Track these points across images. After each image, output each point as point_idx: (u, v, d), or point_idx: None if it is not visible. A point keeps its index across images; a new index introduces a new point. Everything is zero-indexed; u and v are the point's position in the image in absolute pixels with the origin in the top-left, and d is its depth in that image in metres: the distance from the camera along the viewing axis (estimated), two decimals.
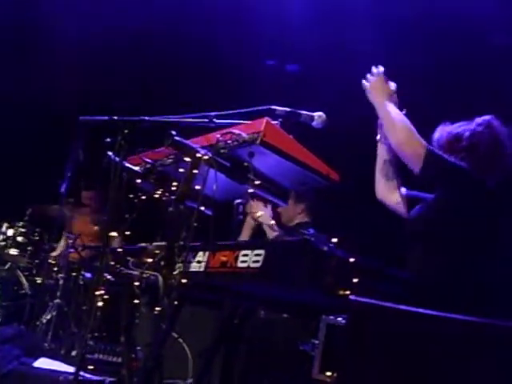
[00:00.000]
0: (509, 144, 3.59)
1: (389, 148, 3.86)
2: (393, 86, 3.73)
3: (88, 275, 4.85)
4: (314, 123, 3.46)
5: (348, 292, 2.44)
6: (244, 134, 2.82)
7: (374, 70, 3.76)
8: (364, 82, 3.76)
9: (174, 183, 3.17)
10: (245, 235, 5.34)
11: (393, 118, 3.59)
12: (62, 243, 7.06)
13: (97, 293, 3.04)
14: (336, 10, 6.38)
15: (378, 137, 3.94)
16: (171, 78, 7.50)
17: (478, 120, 3.67)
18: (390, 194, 3.91)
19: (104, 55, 7.40)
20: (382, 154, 3.95)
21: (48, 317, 6.15)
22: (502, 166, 3.55)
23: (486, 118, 3.68)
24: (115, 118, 3.25)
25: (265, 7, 6.76)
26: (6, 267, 6.79)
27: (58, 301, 6.22)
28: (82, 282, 6.41)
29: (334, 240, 2.61)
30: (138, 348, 3.58)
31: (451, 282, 3.28)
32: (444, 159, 3.48)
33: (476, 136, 3.61)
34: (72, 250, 6.56)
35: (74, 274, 6.43)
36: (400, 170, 3.94)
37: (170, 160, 3.24)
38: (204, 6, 6.98)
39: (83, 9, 7.29)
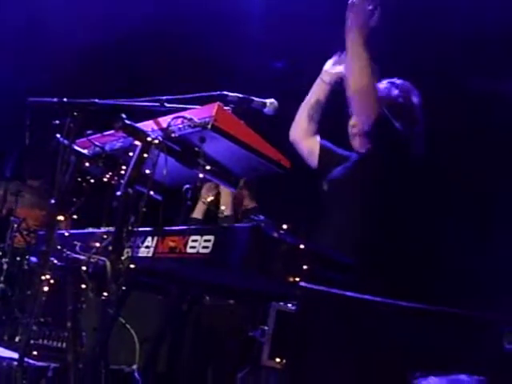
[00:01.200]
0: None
1: (329, 89, 3.83)
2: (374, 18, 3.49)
3: (34, 259, 4.76)
4: (265, 110, 3.46)
5: (298, 279, 2.44)
6: (195, 119, 2.79)
7: None
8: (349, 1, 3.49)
9: (123, 167, 3.13)
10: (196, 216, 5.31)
11: (365, 61, 3.43)
12: None
13: (42, 277, 2.99)
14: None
15: (327, 69, 3.89)
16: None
17: (404, 86, 3.68)
18: (307, 138, 3.86)
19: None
20: (318, 92, 3.89)
21: None
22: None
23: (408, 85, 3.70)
24: (65, 99, 3.19)
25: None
26: None
27: (1, 285, 6.12)
28: (26, 267, 6.30)
29: (284, 226, 2.61)
30: (84, 334, 3.54)
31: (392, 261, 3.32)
32: (393, 127, 3.50)
33: (412, 108, 3.63)
34: (16, 234, 6.45)
35: (18, 258, 6.32)
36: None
37: (120, 144, 3.20)
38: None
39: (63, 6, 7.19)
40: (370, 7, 3.48)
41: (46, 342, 5.14)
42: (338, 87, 3.84)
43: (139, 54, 7.34)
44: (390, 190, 3.49)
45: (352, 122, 3.76)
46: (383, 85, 3.72)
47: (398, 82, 3.72)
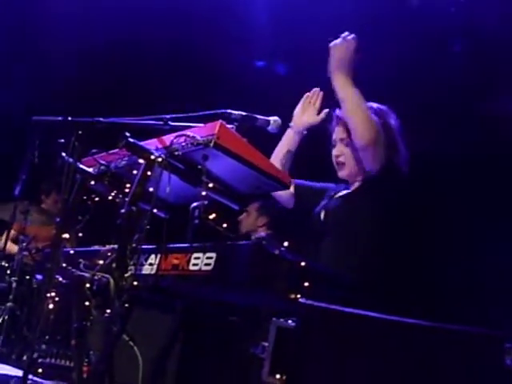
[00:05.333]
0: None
1: (300, 138, 3.85)
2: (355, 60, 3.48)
3: (39, 277, 4.79)
4: (269, 128, 3.48)
5: (299, 295, 2.45)
6: (198, 137, 2.82)
7: (345, 34, 3.50)
8: (331, 44, 3.52)
9: (128, 185, 3.16)
10: None
11: (362, 109, 3.43)
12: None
13: (48, 295, 3.01)
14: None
15: (296, 119, 3.91)
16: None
17: (381, 111, 3.67)
18: None
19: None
20: (289, 143, 3.90)
21: None
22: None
23: (385, 109, 3.69)
24: (69, 118, 3.23)
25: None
26: None
27: (10, 304, 6.14)
28: (35, 286, 6.33)
29: (286, 244, 2.62)
30: (91, 352, 3.55)
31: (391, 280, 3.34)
32: (393, 164, 3.52)
33: (391, 132, 3.64)
34: (26, 253, 6.49)
35: (27, 277, 6.35)
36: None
37: (124, 162, 3.22)
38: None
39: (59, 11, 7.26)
40: (352, 47, 3.49)
41: (53, 360, 5.15)
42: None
43: (144, 72, 7.40)
44: (388, 217, 3.52)
45: (336, 152, 3.74)
46: None
47: (374, 106, 3.67)
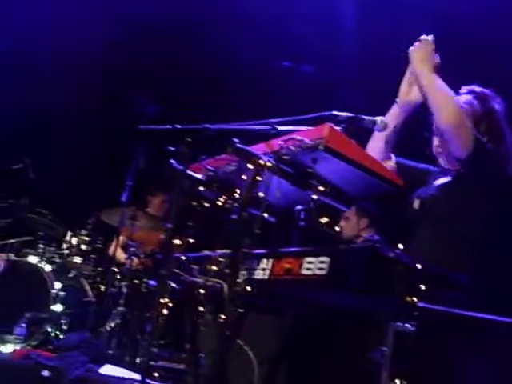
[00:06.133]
0: None
1: (406, 117, 3.77)
2: (438, 58, 3.52)
3: (152, 283, 4.88)
4: (375, 128, 3.43)
5: (416, 299, 2.40)
6: (307, 140, 2.80)
7: (422, 37, 3.55)
8: (410, 48, 3.56)
9: (237, 190, 3.17)
10: None
11: (446, 94, 3.41)
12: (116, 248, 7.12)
13: (162, 300, 3.06)
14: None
15: (399, 99, 3.81)
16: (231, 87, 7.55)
17: (484, 95, 3.58)
18: (384, 162, 3.77)
19: (166, 62, 7.49)
20: (394, 119, 3.80)
21: (112, 324, 6.20)
22: None
23: (488, 93, 3.59)
24: (178, 126, 3.27)
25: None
26: (71, 275, 6.88)
27: (121, 308, 6.28)
28: (144, 290, 6.46)
29: (400, 246, 2.58)
30: (202, 355, 3.59)
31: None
32: (487, 150, 3.42)
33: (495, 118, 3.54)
34: (134, 258, 6.63)
35: (136, 281, 6.48)
36: None
37: (233, 167, 3.24)
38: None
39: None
40: (431, 48, 3.52)
41: (165, 363, 5.24)
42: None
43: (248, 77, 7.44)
44: (485, 209, 3.43)
45: (436, 142, 3.68)
46: (464, 97, 3.62)
47: (477, 90, 3.61)
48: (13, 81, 7.71)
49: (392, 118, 3.81)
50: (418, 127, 3.75)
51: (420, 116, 3.77)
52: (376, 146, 3.78)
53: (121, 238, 6.78)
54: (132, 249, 6.63)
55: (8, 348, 6.09)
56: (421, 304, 2.33)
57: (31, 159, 7.16)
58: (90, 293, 6.78)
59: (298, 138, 2.84)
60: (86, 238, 6.96)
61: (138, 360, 5.75)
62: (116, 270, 6.65)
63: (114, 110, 7.70)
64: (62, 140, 7.89)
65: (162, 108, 6.68)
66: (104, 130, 7.78)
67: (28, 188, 7.16)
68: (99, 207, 6.98)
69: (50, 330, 6.39)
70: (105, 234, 7.17)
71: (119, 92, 7.56)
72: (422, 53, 3.52)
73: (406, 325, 2.38)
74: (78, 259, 6.90)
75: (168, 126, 3.29)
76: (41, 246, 6.93)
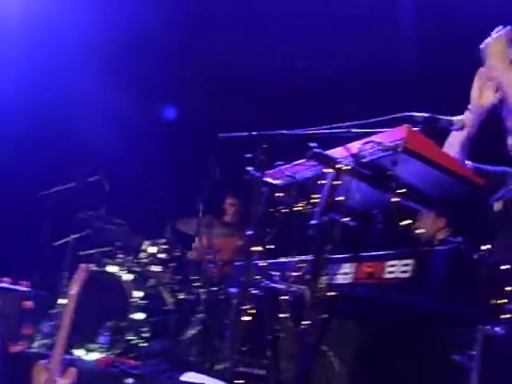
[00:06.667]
0: None
1: (479, 122, 3.66)
2: None
3: (233, 290, 4.90)
4: (453, 128, 3.37)
5: (504, 301, 2.35)
6: (386, 142, 2.77)
7: (494, 32, 3.44)
8: (483, 44, 3.47)
9: (315, 195, 3.16)
10: None
11: None
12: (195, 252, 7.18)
13: (243, 307, 3.07)
14: None
15: (471, 106, 3.71)
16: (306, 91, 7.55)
17: None
18: None
19: (237, 73, 7.54)
20: (469, 124, 3.70)
21: (192, 331, 6.25)
22: None
23: None
24: (254, 133, 3.28)
25: None
26: (150, 284, 6.96)
27: (200, 315, 6.32)
28: (222, 297, 6.49)
29: (484, 247, 2.53)
30: (282, 362, 3.59)
31: None
32: None
33: None
34: (212, 265, 6.67)
35: (215, 288, 6.52)
36: None
37: (310, 172, 3.23)
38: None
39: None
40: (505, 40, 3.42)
41: (247, 369, 5.25)
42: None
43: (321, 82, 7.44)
44: None
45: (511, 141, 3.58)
46: None
47: None
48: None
49: (466, 122, 3.73)
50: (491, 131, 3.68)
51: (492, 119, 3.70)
52: (451, 151, 3.71)
53: (199, 245, 6.83)
54: (209, 256, 6.67)
55: (92, 356, 6.21)
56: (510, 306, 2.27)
57: (106, 171, 7.29)
58: (170, 301, 6.85)
59: (377, 140, 2.82)
60: (164, 247, 7.04)
61: (218, 367, 5.79)
62: (194, 277, 6.70)
63: (189, 119, 7.79)
64: (137, 151, 8.00)
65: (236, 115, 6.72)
66: (179, 139, 7.87)
67: (104, 199, 7.29)
68: (175, 216, 7.06)
69: (131, 338, 6.48)
70: (182, 243, 7.24)
71: (196, 104, 7.65)
72: (496, 48, 3.43)
73: (495, 328, 2.33)
74: (156, 268, 6.99)
75: (244, 134, 3.30)
76: (120, 255, 7.04)
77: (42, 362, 5.08)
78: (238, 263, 5.88)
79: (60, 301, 6.73)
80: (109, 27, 7.46)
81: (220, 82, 7.72)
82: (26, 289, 6.52)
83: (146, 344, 6.50)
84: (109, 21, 7.57)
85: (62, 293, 6.83)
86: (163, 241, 7.05)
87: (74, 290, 5.30)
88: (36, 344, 6.46)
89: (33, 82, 7.86)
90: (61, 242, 7.23)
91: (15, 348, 6.12)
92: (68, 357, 5.67)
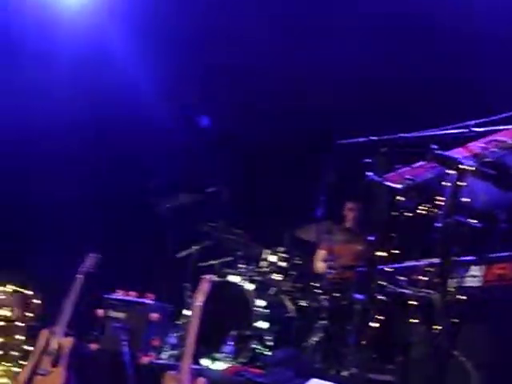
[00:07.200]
0: None
1: None
2: None
3: (359, 296, 4.86)
4: None
5: None
6: (510, 140, 2.71)
7: None
8: None
9: (438, 197, 3.11)
10: None
11: None
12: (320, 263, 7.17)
13: (370, 313, 3.05)
14: None
15: None
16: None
17: None
18: None
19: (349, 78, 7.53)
20: None
21: (315, 338, 6.24)
22: None
23: None
24: (372, 138, 3.26)
25: None
26: (271, 292, 7.00)
27: (323, 322, 6.31)
28: (345, 303, 6.45)
29: None
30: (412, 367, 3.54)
31: None
32: None
33: None
34: (332, 271, 6.64)
35: (337, 294, 6.49)
36: None
37: (431, 174, 3.18)
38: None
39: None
40: None
41: (373, 375, 5.21)
42: None
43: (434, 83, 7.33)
44: None
45: None
46: None
47: None
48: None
49: None
50: None
51: None
52: None
53: (321, 252, 6.82)
54: (330, 262, 6.65)
55: (218, 365, 6.30)
56: None
57: (223, 181, 7.39)
58: (291, 308, 6.86)
59: (501, 138, 2.75)
60: (284, 255, 7.06)
61: (343, 373, 5.75)
62: (315, 284, 6.69)
63: (303, 126, 7.81)
64: (252, 161, 8.08)
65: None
66: (294, 146, 7.89)
67: (222, 210, 7.39)
68: (294, 224, 7.07)
69: (256, 346, 6.54)
70: (301, 250, 7.24)
71: (309, 112, 7.67)
72: None
73: None
74: (277, 276, 7.02)
75: (362, 139, 3.29)
76: (240, 265, 7.12)
77: (171, 372, 5.21)
78: (360, 269, 5.85)
79: (185, 312, 6.86)
80: None
81: (336, 87, 7.71)
82: (151, 301, 6.69)
83: (270, 352, 6.53)
84: None
85: (185, 304, 6.96)
86: (283, 249, 7.07)
87: (199, 301, 5.41)
88: (164, 355, 6.60)
89: None
90: (183, 253, 7.37)
91: (145, 359, 6.28)
92: (196, 367, 5.77)
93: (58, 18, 8.08)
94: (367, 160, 3.22)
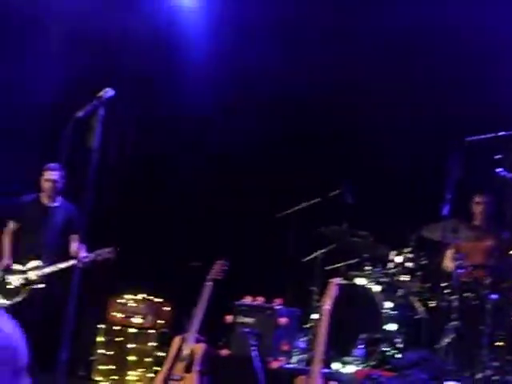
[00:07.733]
0: None
1: None
2: None
3: (494, 296, 4.72)
4: None
5: None
6: None
7: None
8: None
9: None
10: None
11: None
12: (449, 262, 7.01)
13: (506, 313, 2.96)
14: None
15: None
16: None
17: None
18: None
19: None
20: None
21: (447, 340, 6.10)
22: None
23: None
24: (500, 133, 3.18)
25: None
26: (399, 294, 6.90)
27: (455, 323, 6.16)
28: (476, 302, 6.28)
29: None
30: None
31: None
32: None
33: None
34: (462, 270, 6.47)
35: (468, 294, 6.32)
36: None
37: None
38: None
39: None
40: None
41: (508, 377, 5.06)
42: None
43: None
44: None
45: None
46: None
47: None
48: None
49: None
50: None
51: None
52: None
53: (450, 251, 6.68)
54: (459, 261, 6.48)
55: (348, 369, 6.27)
56: None
57: (350, 183, 7.34)
58: (421, 310, 6.75)
59: None
60: (410, 256, 6.94)
61: (478, 375, 5.60)
62: (444, 284, 6.54)
63: (430, 123, 7.67)
64: (381, 162, 7.98)
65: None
66: (420, 144, 7.74)
67: (347, 212, 7.34)
68: (420, 223, 6.94)
69: (386, 349, 6.46)
70: (427, 250, 7.09)
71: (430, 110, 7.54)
72: None
73: None
74: (405, 277, 6.91)
75: (491, 135, 3.21)
76: (367, 267, 7.06)
77: (302, 376, 5.22)
78: (492, 267, 5.67)
79: (313, 316, 6.86)
80: None
81: (451, 84, 7.55)
82: (279, 306, 6.73)
83: (400, 355, 6.44)
84: None
85: (313, 308, 6.97)
86: (409, 249, 6.95)
87: (328, 304, 5.40)
88: (294, 359, 6.63)
89: None
90: (309, 257, 7.37)
91: (275, 364, 6.32)
92: (326, 370, 5.76)
93: None
94: (497, 156, 3.13)
